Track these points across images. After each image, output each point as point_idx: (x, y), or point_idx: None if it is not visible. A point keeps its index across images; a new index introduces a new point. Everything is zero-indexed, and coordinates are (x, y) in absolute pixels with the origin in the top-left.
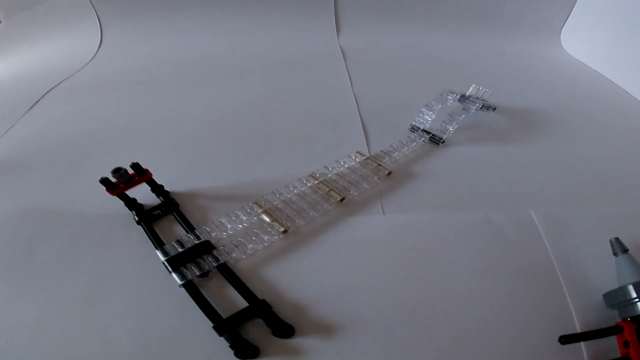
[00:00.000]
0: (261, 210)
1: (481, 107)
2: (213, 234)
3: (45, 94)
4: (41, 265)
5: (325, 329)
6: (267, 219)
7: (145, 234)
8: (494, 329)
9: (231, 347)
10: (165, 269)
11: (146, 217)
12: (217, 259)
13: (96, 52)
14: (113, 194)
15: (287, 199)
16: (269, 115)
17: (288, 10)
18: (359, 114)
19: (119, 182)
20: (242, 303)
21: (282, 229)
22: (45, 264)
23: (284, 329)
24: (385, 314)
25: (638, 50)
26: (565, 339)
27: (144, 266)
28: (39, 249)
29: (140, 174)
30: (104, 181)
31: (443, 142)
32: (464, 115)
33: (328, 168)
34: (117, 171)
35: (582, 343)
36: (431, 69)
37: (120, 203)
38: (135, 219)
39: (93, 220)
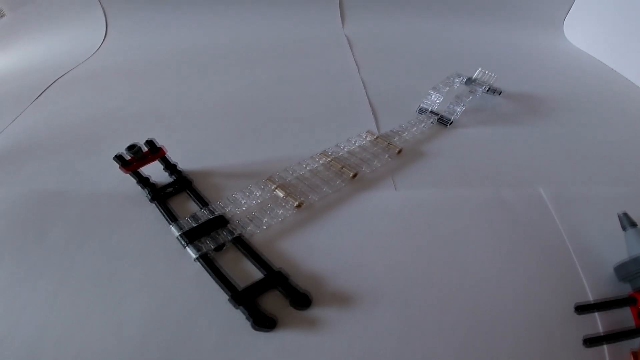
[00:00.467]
0: (275, 185)
1: (487, 90)
2: (227, 209)
3: (51, 84)
4: (52, 245)
5: (341, 300)
6: (280, 194)
7: (158, 211)
8: (508, 301)
9: (248, 318)
10: (179, 244)
11: (159, 195)
12: (232, 232)
13: (101, 43)
14: (126, 170)
15: (300, 175)
16: (277, 99)
17: (293, 1)
18: (367, 97)
19: (133, 159)
20: (258, 275)
21: (296, 203)
22: (57, 243)
23: (301, 299)
24: (400, 285)
25: (638, 40)
26: (580, 309)
27: (158, 243)
28: (49, 230)
29: (154, 151)
30: (119, 158)
31: (451, 123)
32: (471, 97)
33: (339, 146)
34: (132, 148)
35: (596, 315)
36: (436, 56)
37: (131, 183)
38: (148, 196)
39: (104, 200)
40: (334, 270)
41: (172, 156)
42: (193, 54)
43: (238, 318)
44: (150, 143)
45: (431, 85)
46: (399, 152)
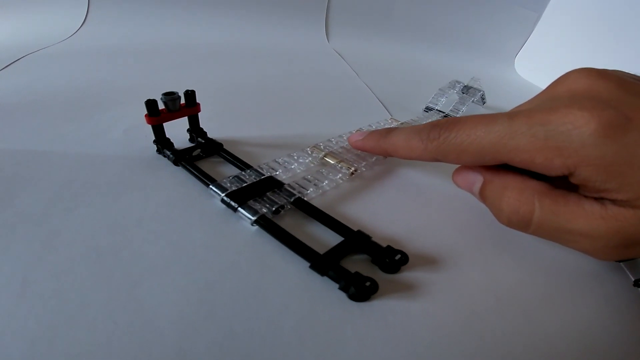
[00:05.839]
0: (323, 153)
1: (482, 97)
2: (277, 172)
3: (18, 59)
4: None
5: (427, 262)
6: (332, 161)
7: (180, 174)
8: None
9: (344, 287)
10: (217, 208)
11: (186, 157)
12: (291, 194)
13: (79, 28)
14: (152, 122)
15: (344, 146)
16: (283, 89)
17: (280, 13)
18: (375, 96)
19: (163, 110)
20: (327, 239)
21: (351, 170)
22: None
23: (397, 258)
24: (472, 244)
25: None
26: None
27: (185, 208)
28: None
29: (191, 104)
30: (151, 103)
31: None
32: (472, 99)
33: (372, 126)
34: (170, 94)
35: (628, 273)
36: (417, 73)
37: (135, 147)
38: (171, 157)
39: (100, 162)
40: (406, 233)
41: (182, 127)
42: (178, 49)
43: (319, 288)
44: (190, 95)
45: (424, 93)
46: None
